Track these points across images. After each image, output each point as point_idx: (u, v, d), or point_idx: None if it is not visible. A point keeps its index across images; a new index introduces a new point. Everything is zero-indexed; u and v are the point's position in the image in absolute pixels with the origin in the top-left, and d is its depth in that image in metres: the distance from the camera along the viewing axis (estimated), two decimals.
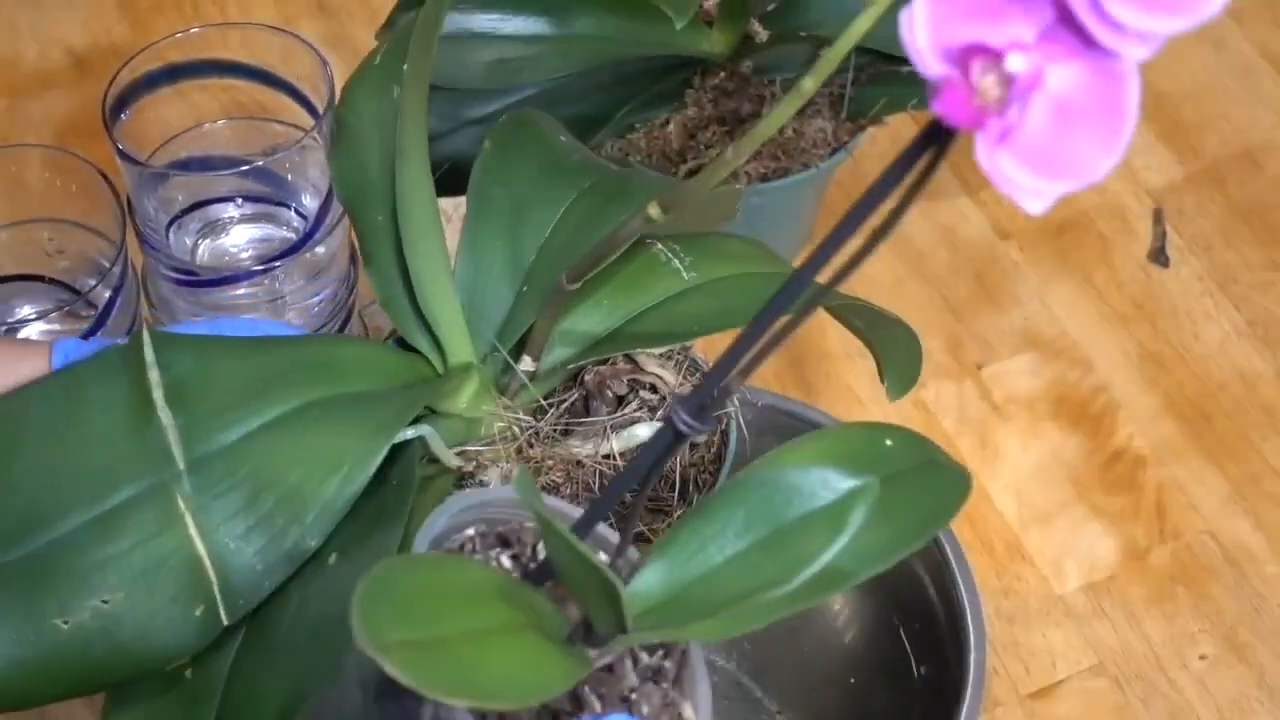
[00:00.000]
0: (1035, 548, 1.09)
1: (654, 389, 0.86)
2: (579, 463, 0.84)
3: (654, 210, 0.72)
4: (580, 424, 0.84)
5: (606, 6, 1.09)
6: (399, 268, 0.85)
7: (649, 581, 0.70)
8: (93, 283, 1.04)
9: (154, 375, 0.78)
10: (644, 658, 0.72)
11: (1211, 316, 1.20)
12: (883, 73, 1.12)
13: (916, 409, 1.14)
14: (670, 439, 0.62)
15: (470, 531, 0.70)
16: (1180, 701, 1.05)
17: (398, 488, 0.79)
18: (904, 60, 1.12)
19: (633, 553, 0.71)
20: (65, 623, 0.74)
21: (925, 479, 0.72)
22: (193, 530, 0.76)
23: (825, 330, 1.16)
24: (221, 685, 0.77)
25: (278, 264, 1.03)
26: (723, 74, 1.12)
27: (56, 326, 1.04)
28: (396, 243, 0.84)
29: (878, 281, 1.19)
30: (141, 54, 1.03)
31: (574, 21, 1.07)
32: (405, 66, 0.83)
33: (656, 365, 0.85)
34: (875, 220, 0.52)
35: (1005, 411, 1.15)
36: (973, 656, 0.92)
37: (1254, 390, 1.17)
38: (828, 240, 0.54)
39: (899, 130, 1.24)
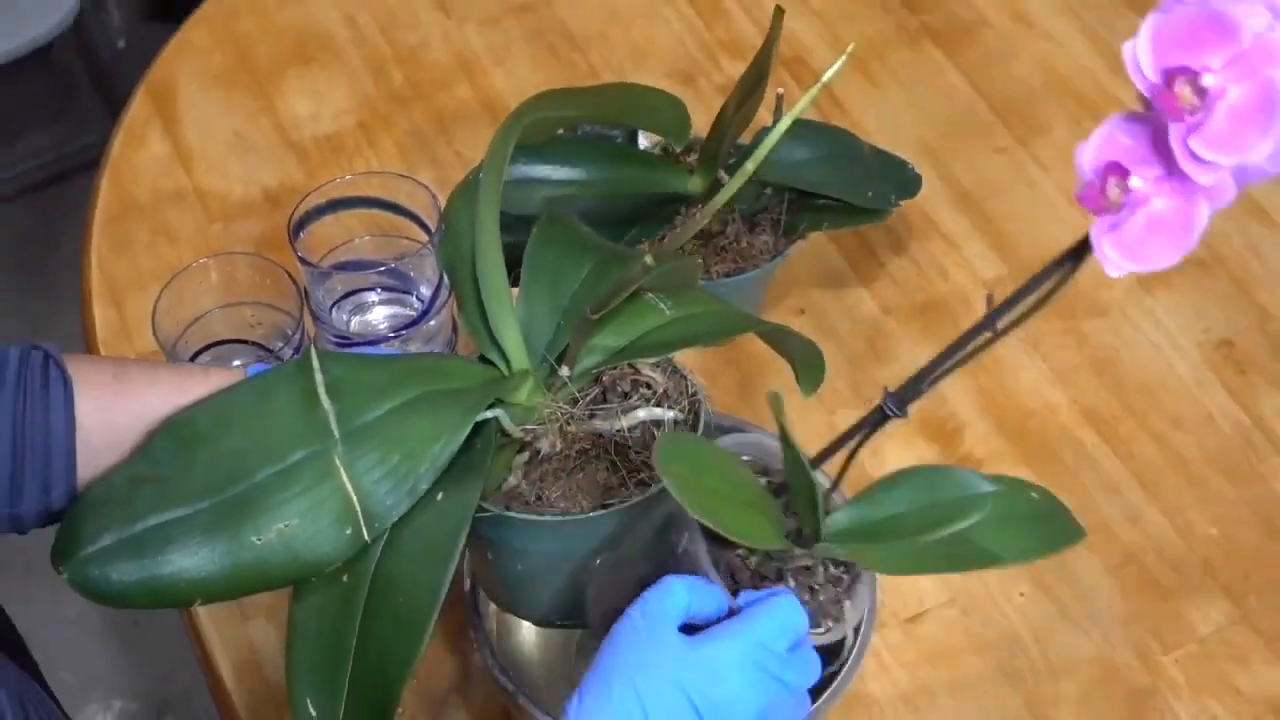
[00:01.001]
0: None
1: (649, 386, 0.86)
2: (600, 435, 0.85)
3: (648, 259, 0.76)
4: (600, 409, 0.85)
5: (624, 161, 1.13)
6: (479, 310, 0.86)
7: (841, 518, 0.76)
8: (280, 345, 1.07)
9: (318, 378, 0.81)
10: (831, 568, 0.77)
11: (1026, 366, 1.22)
12: (806, 204, 1.14)
13: (829, 430, 1.14)
14: (880, 418, 0.67)
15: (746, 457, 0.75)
16: (1006, 625, 1.07)
17: (480, 450, 0.81)
18: (820, 196, 1.16)
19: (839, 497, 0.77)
20: (258, 540, 0.76)
21: (1053, 518, 0.81)
22: (344, 478, 0.78)
23: (764, 369, 1.18)
24: (368, 584, 0.78)
25: (404, 332, 1.07)
26: (700, 206, 1.14)
27: None
28: (477, 294, 0.86)
29: None
30: (312, 193, 1.07)
31: (602, 171, 1.10)
32: (480, 177, 0.85)
33: (650, 370, 0.87)
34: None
35: (888, 430, 1.14)
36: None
37: (1055, 416, 1.19)
38: (999, 307, 0.59)
39: (818, 244, 1.27)
